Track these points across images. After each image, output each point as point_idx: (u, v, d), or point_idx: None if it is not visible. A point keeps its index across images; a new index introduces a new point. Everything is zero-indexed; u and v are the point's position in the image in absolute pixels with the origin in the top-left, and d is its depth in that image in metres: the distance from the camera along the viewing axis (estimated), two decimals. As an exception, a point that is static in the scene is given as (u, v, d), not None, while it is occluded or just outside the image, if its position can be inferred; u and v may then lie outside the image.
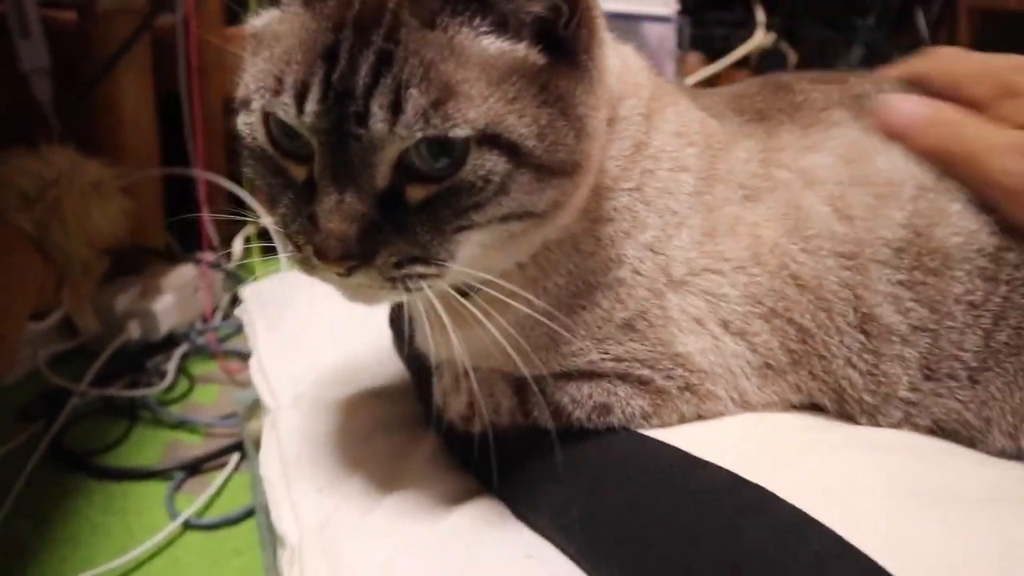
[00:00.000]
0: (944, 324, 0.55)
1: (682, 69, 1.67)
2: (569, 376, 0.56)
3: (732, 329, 0.56)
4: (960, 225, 0.55)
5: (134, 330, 1.20)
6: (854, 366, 0.56)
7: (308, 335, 0.85)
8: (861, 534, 0.44)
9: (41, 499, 0.93)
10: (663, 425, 0.56)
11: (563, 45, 0.47)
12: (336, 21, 0.45)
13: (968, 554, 0.44)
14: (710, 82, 1.68)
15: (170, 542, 0.89)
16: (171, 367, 1.18)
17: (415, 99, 0.42)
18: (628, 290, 0.54)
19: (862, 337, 0.56)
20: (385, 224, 0.45)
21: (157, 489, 0.97)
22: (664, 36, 1.58)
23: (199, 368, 1.22)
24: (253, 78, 0.47)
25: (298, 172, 0.47)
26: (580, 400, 0.55)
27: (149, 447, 1.05)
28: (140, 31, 1.35)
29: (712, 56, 1.71)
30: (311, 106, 0.44)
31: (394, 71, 0.43)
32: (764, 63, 1.62)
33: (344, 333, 0.80)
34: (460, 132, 0.43)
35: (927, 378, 0.57)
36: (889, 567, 0.41)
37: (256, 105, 0.46)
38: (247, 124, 0.48)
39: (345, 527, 0.58)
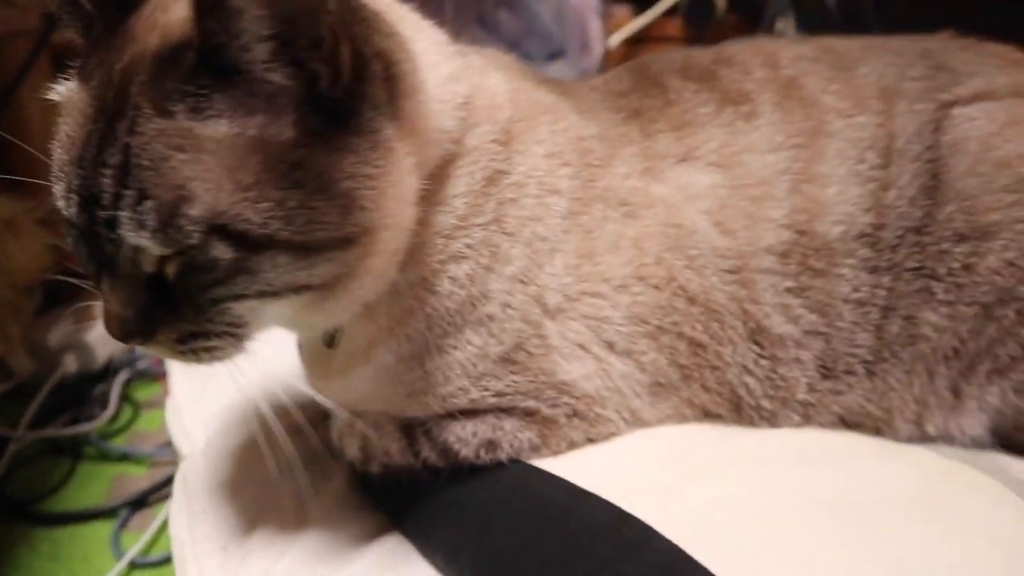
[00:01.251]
0: (835, 325, 0.56)
1: (609, 24, 1.63)
2: (453, 416, 0.55)
3: (618, 349, 0.54)
4: (838, 211, 0.55)
5: (71, 363, 1.18)
6: (751, 373, 0.56)
7: (222, 372, 0.84)
8: (736, 566, 0.43)
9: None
10: (554, 454, 0.55)
11: (339, 108, 0.43)
12: (96, 105, 0.43)
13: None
14: (641, 35, 1.65)
15: (117, 586, 0.89)
16: (113, 396, 1.16)
17: (153, 212, 0.41)
18: (500, 325, 0.52)
19: (756, 347, 0.56)
20: (160, 304, 0.44)
21: (103, 529, 0.96)
22: (585, -8, 1.54)
23: (143, 393, 1.21)
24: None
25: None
26: (465, 439, 0.54)
27: (94, 485, 1.04)
28: (36, 52, 1.30)
29: (641, 7, 1.67)
30: (68, 196, 0.43)
31: (133, 177, 0.41)
32: (691, 11, 1.57)
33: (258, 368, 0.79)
34: (192, 241, 0.41)
35: (825, 377, 0.57)
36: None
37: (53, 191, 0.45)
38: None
39: None
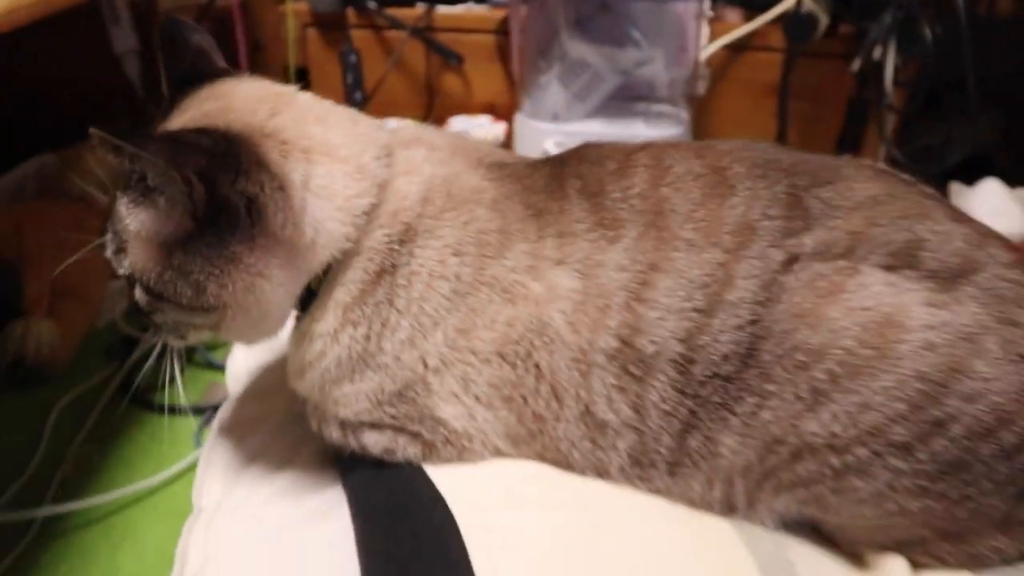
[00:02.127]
0: (646, 424, 0.68)
1: (718, 29, 1.69)
2: (365, 425, 0.75)
3: (482, 403, 0.71)
4: (655, 334, 0.65)
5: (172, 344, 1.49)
6: (576, 448, 0.70)
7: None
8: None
9: (108, 426, 1.26)
10: (434, 465, 0.74)
11: (202, 227, 0.62)
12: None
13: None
14: (744, 42, 1.70)
15: (190, 469, 1.19)
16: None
17: (109, 242, 0.66)
18: (392, 372, 0.70)
19: (583, 427, 0.70)
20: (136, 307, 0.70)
21: (193, 423, 1.27)
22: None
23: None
24: None
25: None
26: (373, 444, 0.74)
27: (195, 386, 1.35)
28: (199, 21, 1.57)
29: (752, 12, 1.71)
30: None
31: (112, 220, 0.66)
32: (792, 27, 1.61)
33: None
34: (122, 272, 0.66)
35: (634, 464, 0.70)
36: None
37: None
38: None
39: (228, 507, 0.81)
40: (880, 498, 0.65)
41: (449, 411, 0.72)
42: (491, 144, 0.83)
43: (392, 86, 1.76)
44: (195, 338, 0.73)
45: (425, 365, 0.70)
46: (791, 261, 0.65)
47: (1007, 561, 0.70)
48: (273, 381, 0.97)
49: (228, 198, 0.62)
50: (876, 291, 0.62)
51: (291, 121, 0.68)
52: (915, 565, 0.71)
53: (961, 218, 0.69)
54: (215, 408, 1.29)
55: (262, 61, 1.74)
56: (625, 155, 0.74)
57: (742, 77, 1.71)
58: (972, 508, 0.65)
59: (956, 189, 1.74)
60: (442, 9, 1.74)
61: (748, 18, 1.70)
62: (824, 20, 1.60)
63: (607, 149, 0.76)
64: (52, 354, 1.27)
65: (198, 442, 1.22)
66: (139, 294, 0.66)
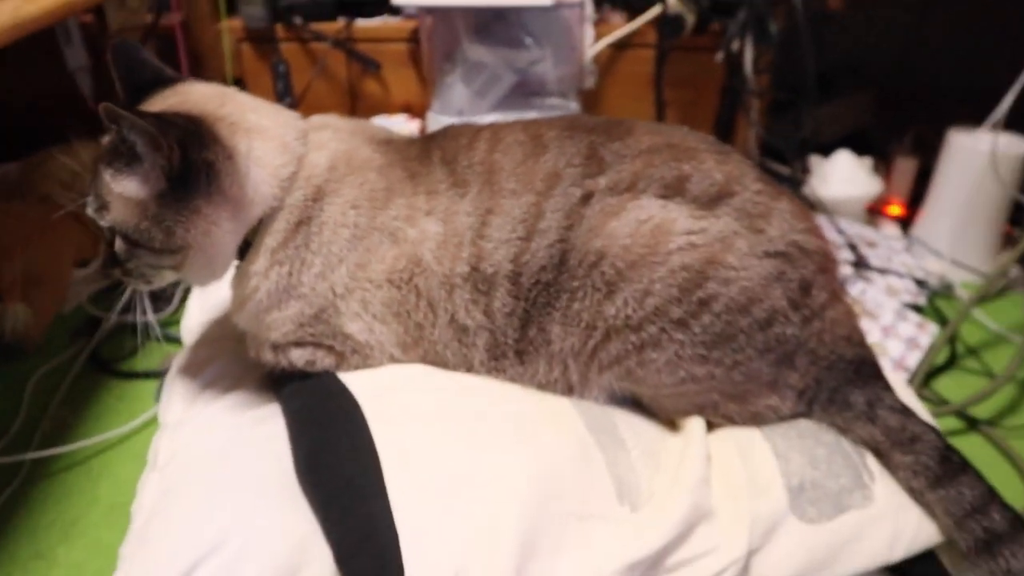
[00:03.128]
0: (495, 324, 0.91)
1: (604, 30, 1.93)
2: (291, 344, 0.96)
3: (379, 320, 0.92)
4: (492, 259, 0.89)
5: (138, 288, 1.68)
6: (448, 348, 0.93)
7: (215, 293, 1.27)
8: (389, 439, 0.84)
9: (80, 391, 1.45)
10: (346, 371, 0.94)
11: (188, 181, 0.82)
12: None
13: (441, 456, 0.83)
14: (626, 40, 1.94)
15: (154, 420, 1.39)
16: (175, 298, 1.67)
17: (91, 202, 0.83)
18: (309, 300, 0.90)
19: (451, 331, 0.92)
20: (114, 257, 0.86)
21: (152, 385, 1.47)
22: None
23: (199, 296, 1.70)
24: None
25: None
26: (297, 358, 0.94)
27: (154, 356, 1.55)
28: (145, 39, 1.77)
29: (633, 15, 1.95)
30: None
31: (93, 185, 0.83)
32: (663, 26, 1.85)
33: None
34: (105, 224, 0.83)
35: (491, 357, 0.93)
36: (386, 455, 0.82)
37: None
38: None
39: (188, 419, 1.00)
40: (672, 366, 0.88)
41: (354, 327, 0.93)
42: (383, 128, 1.04)
43: (318, 91, 1.97)
44: (159, 282, 0.91)
45: (334, 292, 0.91)
46: (588, 197, 0.89)
47: (782, 417, 0.94)
48: (219, 331, 1.17)
49: (194, 163, 0.82)
50: (650, 210, 0.86)
51: (235, 110, 0.89)
52: (712, 427, 0.95)
53: (725, 160, 0.93)
54: (173, 371, 1.50)
55: (202, 74, 1.92)
56: (474, 132, 0.97)
57: (625, 71, 1.95)
58: (744, 372, 0.89)
59: (815, 160, 2.01)
60: (360, 22, 1.95)
61: (629, 19, 1.94)
62: (691, 19, 1.84)
63: (463, 129, 0.99)
64: (26, 332, 1.46)
65: (158, 399, 1.42)
66: (118, 244, 0.85)
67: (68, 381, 1.45)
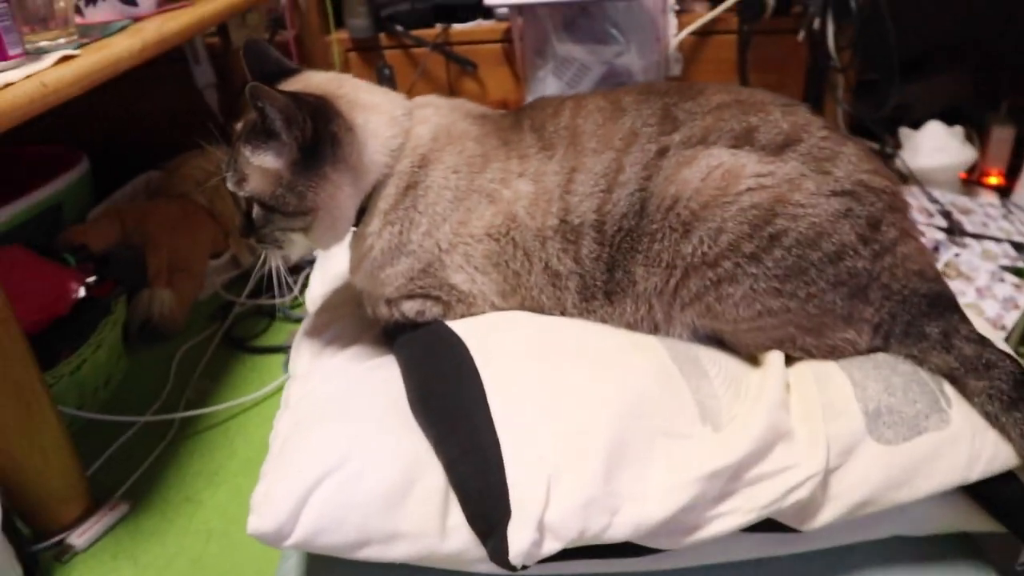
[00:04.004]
0: (584, 269, 1.00)
1: (688, 19, 2.00)
2: (403, 297, 1.07)
3: (480, 271, 1.02)
4: (578, 211, 0.98)
5: (272, 261, 1.84)
6: (543, 292, 1.02)
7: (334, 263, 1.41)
8: (491, 370, 0.94)
9: (217, 365, 1.62)
10: (453, 319, 1.04)
11: (318, 151, 0.94)
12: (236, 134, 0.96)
13: (537, 380, 0.92)
14: (708, 28, 2.00)
15: (283, 386, 1.53)
16: (299, 283, 1.82)
17: (230, 177, 0.93)
18: (418, 255, 1.00)
19: (546, 277, 1.01)
20: (250, 224, 0.96)
21: (280, 358, 1.62)
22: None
23: (317, 283, 1.86)
24: None
25: None
26: (408, 309, 1.05)
27: (280, 334, 1.71)
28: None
29: (714, 2, 2.02)
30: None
31: (231, 162, 0.94)
32: (744, 8, 1.91)
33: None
34: (244, 194, 0.93)
35: (583, 299, 1.01)
36: (489, 382, 0.92)
37: None
38: None
39: (314, 369, 1.13)
40: (749, 300, 0.94)
41: (458, 278, 1.03)
42: (479, 105, 1.15)
43: (420, 92, 2.07)
44: (289, 247, 1.02)
45: (439, 248, 1.01)
46: (664, 151, 0.97)
47: (859, 351, 0.99)
48: (338, 299, 1.29)
49: (322, 135, 0.91)
50: (720, 157, 0.94)
51: (351, 90, 1.02)
52: (791, 361, 1.00)
53: (792, 111, 0.99)
54: (297, 346, 1.65)
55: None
56: (559, 102, 1.07)
57: (710, 58, 2.01)
58: (818, 305, 0.95)
59: (905, 132, 2.02)
60: (456, 26, 2.10)
61: (711, 7, 2.00)
62: (771, 1, 1.89)
63: (549, 100, 1.09)
64: (171, 315, 1.64)
65: (286, 369, 1.57)
66: (256, 211, 0.97)
67: (207, 356, 1.62)
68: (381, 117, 1.01)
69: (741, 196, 0.92)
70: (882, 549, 0.95)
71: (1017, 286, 1.61)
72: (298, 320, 1.73)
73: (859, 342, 0.98)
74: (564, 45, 1.84)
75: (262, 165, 0.94)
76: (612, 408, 0.87)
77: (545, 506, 0.79)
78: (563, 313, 1.04)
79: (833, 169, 0.94)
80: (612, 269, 0.99)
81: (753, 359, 1.02)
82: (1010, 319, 1.53)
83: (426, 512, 0.86)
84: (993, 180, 2.01)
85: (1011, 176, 1.99)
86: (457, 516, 0.86)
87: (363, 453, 0.89)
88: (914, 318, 0.96)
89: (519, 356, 0.96)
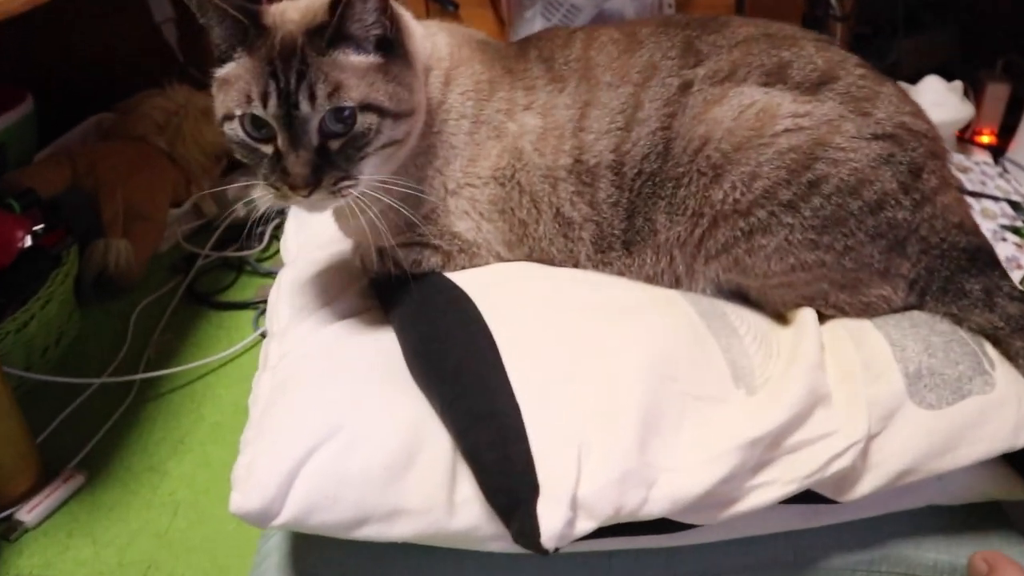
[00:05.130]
0: (601, 215, 0.91)
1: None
2: (400, 245, 0.97)
3: (485, 218, 0.93)
4: (594, 150, 0.89)
5: (241, 210, 1.70)
6: (554, 244, 0.93)
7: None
8: (502, 325, 0.85)
9: (180, 321, 1.50)
10: (453, 271, 0.95)
11: (392, 46, 0.81)
12: (268, 59, 0.76)
13: (556, 338, 0.83)
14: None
15: (253, 345, 1.43)
16: (266, 235, 1.71)
17: (320, 91, 0.75)
18: (427, 196, 0.90)
19: (557, 226, 0.92)
20: (323, 163, 0.77)
21: (249, 314, 1.51)
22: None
23: (286, 234, 1.74)
24: (230, 100, 0.78)
25: (266, 148, 0.78)
26: (405, 258, 0.95)
27: (248, 289, 1.59)
28: None
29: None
30: (271, 103, 0.76)
31: (308, 79, 0.75)
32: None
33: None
34: (348, 103, 0.76)
35: (598, 251, 0.93)
36: (501, 339, 0.82)
37: (237, 112, 0.78)
38: (232, 129, 0.79)
39: (295, 324, 1.03)
40: (782, 252, 0.87)
41: (462, 226, 0.94)
42: (478, 31, 1.05)
43: (397, 34, 1.98)
44: (361, 184, 0.81)
45: (446, 189, 0.92)
46: (687, 86, 0.88)
47: (894, 309, 0.92)
48: (318, 249, 1.19)
49: (396, 20, 0.82)
50: (753, 95, 0.85)
51: None
52: (823, 318, 0.93)
53: (825, 47, 0.91)
54: (267, 301, 1.53)
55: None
56: (568, 33, 0.97)
57: (704, 3, 1.92)
58: (855, 258, 0.87)
59: (903, 87, 1.95)
60: (437, -36, 1.97)
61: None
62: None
63: (557, 31, 0.99)
64: (128, 267, 1.52)
65: (256, 326, 1.46)
66: (361, 124, 0.78)
67: (169, 312, 1.51)
68: (413, 22, 0.90)
69: (778, 138, 0.83)
70: (911, 519, 0.89)
71: (1019, 245, 1.57)
72: (267, 274, 1.62)
73: (894, 299, 0.91)
74: (553, -16, 1.72)
75: (362, 63, 0.80)
76: (640, 369, 0.79)
77: (577, 480, 0.70)
78: (575, 265, 0.95)
79: (873, 110, 0.87)
80: (632, 216, 0.90)
81: (780, 317, 0.95)
82: (1014, 279, 1.47)
83: (431, 485, 0.77)
84: (986, 139, 1.96)
85: (1003, 136, 1.94)
86: (467, 489, 0.77)
87: (357, 419, 0.80)
88: (953, 273, 0.90)
89: (532, 311, 0.87)
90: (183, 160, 1.67)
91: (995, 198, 1.70)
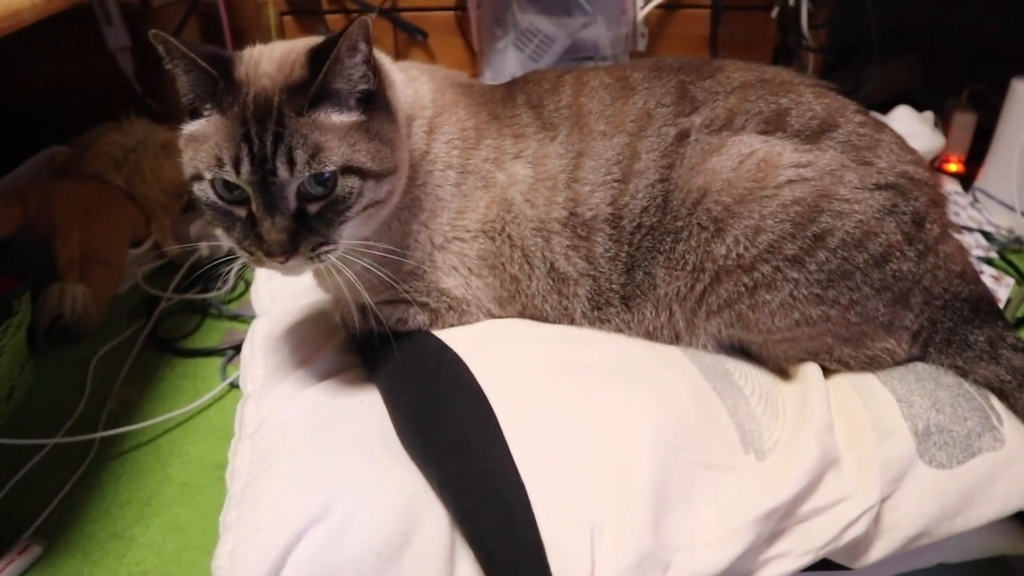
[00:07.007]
0: (597, 270, 0.87)
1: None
2: (384, 303, 0.92)
3: (475, 274, 0.89)
4: (590, 202, 0.86)
5: (204, 249, 1.63)
6: (547, 301, 0.89)
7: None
8: (500, 392, 0.80)
9: (142, 370, 1.42)
10: (441, 329, 0.92)
11: (374, 99, 0.75)
12: (242, 119, 0.71)
13: (559, 406, 0.79)
14: (674, 2, 1.89)
15: (221, 396, 1.36)
16: (232, 275, 1.63)
17: (299, 157, 0.71)
18: (412, 252, 0.86)
19: (551, 281, 0.88)
20: (300, 228, 0.72)
21: (216, 362, 1.44)
22: None
23: (251, 274, 1.66)
24: (199, 161, 0.73)
25: (240, 211, 0.74)
26: (389, 315, 0.91)
27: (213, 333, 1.51)
28: (187, 16, 1.73)
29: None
30: (244, 169, 0.71)
31: (285, 143, 0.70)
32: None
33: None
34: (328, 169, 0.71)
35: (594, 308, 0.89)
36: (499, 408, 0.78)
37: (208, 175, 0.73)
38: (201, 190, 0.75)
39: (272, 385, 0.97)
40: (787, 308, 0.84)
41: (450, 282, 0.90)
42: (460, 72, 1.00)
43: (364, 64, 1.93)
44: (344, 243, 0.77)
45: (432, 244, 0.87)
46: (684, 135, 0.85)
47: (898, 361, 0.90)
48: (293, 300, 1.13)
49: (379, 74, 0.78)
50: (752, 144, 0.82)
51: None
52: (827, 373, 0.90)
53: (823, 93, 0.89)
54: (236, 348, 1.46)
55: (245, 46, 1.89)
56: (556, 76, 0.94)
57: (675, 33, 1.90)
58: (860, 312, 0.85)
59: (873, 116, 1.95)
60: (405, -9, 1.92)
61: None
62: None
63: (544, 73, 0.96)
64: (86, 313, 1.43)
65: (224, 375, 1.39)
66: (342, 188, 0.73)
67: (130, 361, 1.42)
68: (393, 67, 0.87)
69: (781, 189, 0.81)
70: (920, 577, 0.87)
71: (996, 278, 1.57)
72: (234, 317, 1.54)
73: (898, 351, 0.90)
74: (526, 15, 1.69)
75: (343, 122, 0.74)
76: (648, 440, 0.75)
77: (592, 569, 0.65)
78: (571, 323, 0.91)
79: (875, 159, 0.85)
80: (631, 270, 0.87)
81: (783, 372, 0.92)
82: (994, 313, 1.47)
83: (429, 567, 0.73)
84: (953, 167, 1.97)
85: (970, 164, 1.96)
86: (466, 569, 0.73)
87: (347, 496, 0.75)
88: (956, 324, 0.88)
89: (531, 375, 0.83)
90: (142, 198, 1.59)
91: (968, 229, 1.71)
